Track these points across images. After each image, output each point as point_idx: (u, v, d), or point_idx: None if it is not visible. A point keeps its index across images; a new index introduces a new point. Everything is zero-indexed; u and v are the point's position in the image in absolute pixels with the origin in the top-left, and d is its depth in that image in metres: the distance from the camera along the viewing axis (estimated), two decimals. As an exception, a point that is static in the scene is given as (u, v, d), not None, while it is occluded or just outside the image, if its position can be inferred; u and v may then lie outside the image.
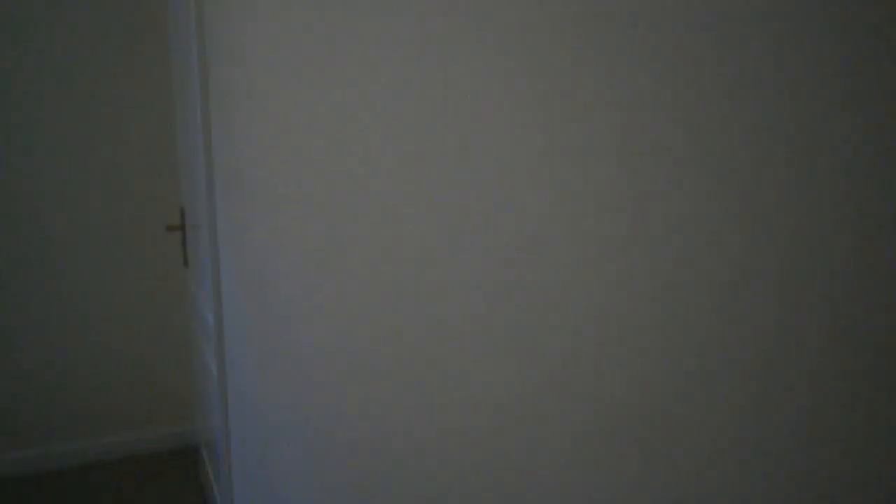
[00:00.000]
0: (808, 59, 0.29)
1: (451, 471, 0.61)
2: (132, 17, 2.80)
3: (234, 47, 1.45)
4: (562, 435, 0.45)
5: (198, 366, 2.79)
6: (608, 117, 0.39)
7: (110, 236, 2.91)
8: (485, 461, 0.55)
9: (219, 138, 1.81)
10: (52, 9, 2.68)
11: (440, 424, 0.62)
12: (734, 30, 0.32)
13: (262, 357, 1.43)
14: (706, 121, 0.34)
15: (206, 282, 2.27)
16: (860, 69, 0.27)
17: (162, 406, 3.11)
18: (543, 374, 0.46)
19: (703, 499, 0.35)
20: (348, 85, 0.77)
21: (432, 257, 0.60)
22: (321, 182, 0.90)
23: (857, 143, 0.27)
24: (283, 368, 1.23)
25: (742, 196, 0.32)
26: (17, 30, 2.66)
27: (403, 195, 0.65)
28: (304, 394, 1.09)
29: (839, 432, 0.29)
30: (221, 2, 1.58)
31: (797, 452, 0.30)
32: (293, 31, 0.97)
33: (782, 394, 0.31)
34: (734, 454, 0.33)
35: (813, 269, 0.29)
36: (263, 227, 1.29)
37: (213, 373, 2.22)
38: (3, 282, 2.77)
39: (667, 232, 0.36)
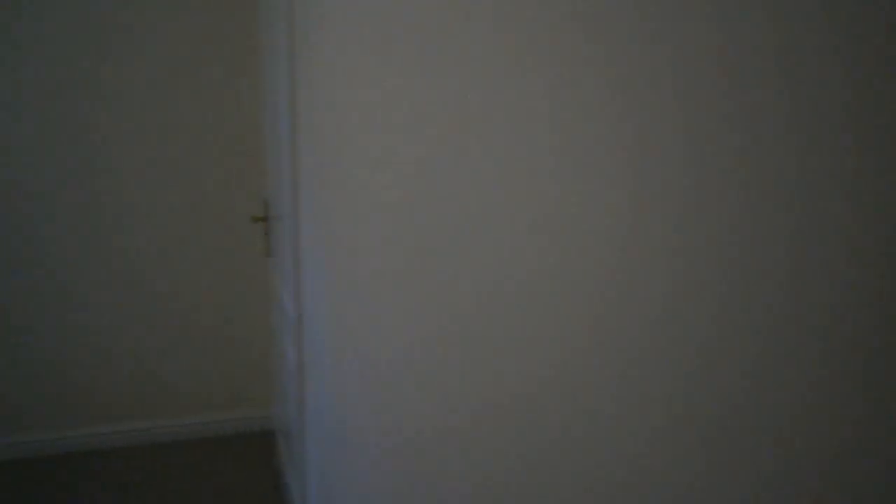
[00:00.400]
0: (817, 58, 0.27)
1: (519, 466, 0.60)
2: (221, 8, 2.90)
3: (323, 41, 1.47)
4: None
5: (277, 354, 2.87)
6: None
7: (198, 226, 3.02)
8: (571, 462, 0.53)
9: (306, 132, 1.85)
10: (138, 2, 2.81)
11: (512, 422, 0.61)
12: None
13: (339, 348, 1.45)
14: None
15: (287, 272, 2.33)
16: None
17: (241, 391, 3.21)
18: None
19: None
20: (434, 80, 0.77)
21: (520, 262, 0.59)
22: (412, 181, 0.90)
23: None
24: (360, 361, 1.25)
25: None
26: (101, 23, 2.79)
27: (492, 201, 0.64)
28: (381, 389, 1.10)
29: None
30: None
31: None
32: (382, 23, 0.98)
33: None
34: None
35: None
36: (348, 222, 1.31)
37: (292, 361, 2.28)
38: (98, 270, 2.92)
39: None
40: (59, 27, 2.72)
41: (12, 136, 2.74)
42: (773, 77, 0.30)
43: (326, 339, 1.63)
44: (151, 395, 3.09)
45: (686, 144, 0.35)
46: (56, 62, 2.75)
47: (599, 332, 0.48)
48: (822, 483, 0.29)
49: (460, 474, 0.77)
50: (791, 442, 0.30)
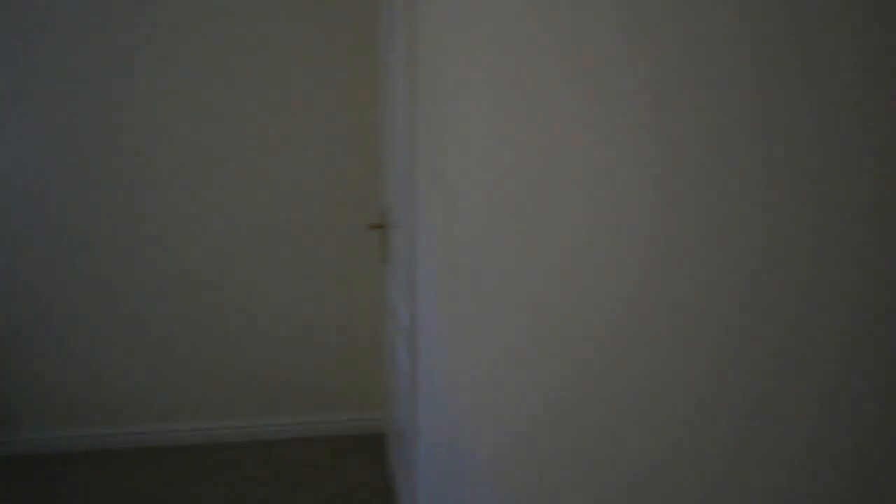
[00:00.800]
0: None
1: (637, 465, 0.57)
2: (342, 20, 3.02)
3: (442, 48, 1.50)
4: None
5: (389, 357, 2.94)
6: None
7: (318, 233, 3.15)
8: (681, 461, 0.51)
9: (422, 140, 1.88)
10: (262, 10, 2.97)
11: (620, 420, 0.59)
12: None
13: (452, 352, 1.46)
14: None
15: (401, 278, 2.38)
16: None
17: (354, 392, 3.31)
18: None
19: None
20: (560, 87, 0.76)
21: (633, 264, 0.57)
22: (527, 190, 0.90)
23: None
24: (474, 367, 1.25)
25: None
26: (227, 33, 2.97)
27: (599, 204, 0.63)
28: (494, 397, 1.10)
29: None
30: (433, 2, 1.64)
31: None
32: (502, 32, 0.98)
33: None
34: None
35: None
36: (464, 230, 1.32)
37: (404, 367, 2.32)
38: (226, 274, 3.11)
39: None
40: (182, 40, 2.93)
41: (139, 142, 2.97)
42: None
43: (439, 344, 1.65)
44: (272, 394, 3.25)
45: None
46: (178, 76, 2.95)
47: (733, 332, 0.46)
48: None
49: (579, 486, 0.76)
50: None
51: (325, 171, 3.11)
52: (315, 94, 3.05)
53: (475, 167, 1.20)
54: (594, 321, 0.69)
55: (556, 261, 0.80)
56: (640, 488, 0.60)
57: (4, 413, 3.05)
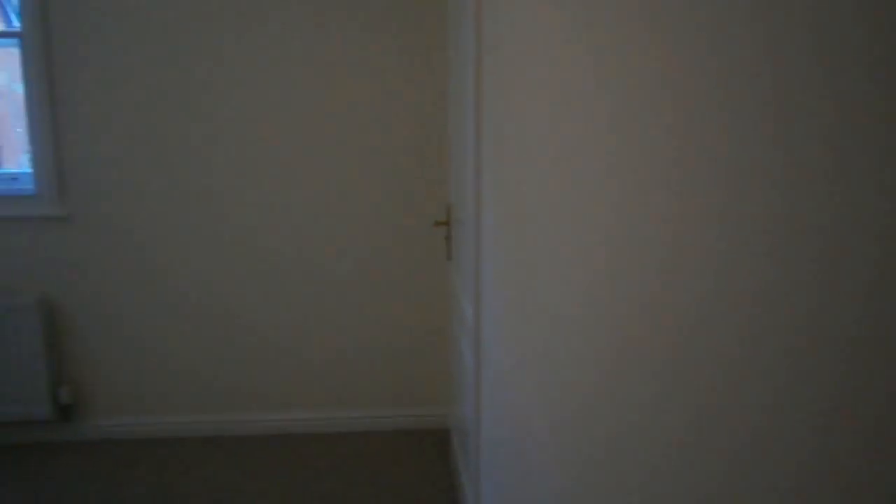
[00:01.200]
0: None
1: (707, 466, 0.56)
2: (410, 18, 3.05)
3: (510, 48, 1.49)
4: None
5: (454, 355, 2.95)
6: None
7: (384, 229, 3.19)
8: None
9: (489, 137, 1.88)
10: (330, 10, 3.02)
11: (693, 422, 0.57)
12: None
13: (519, 353, 1.46)
14: None
15: (467, 276, 2.39)
16: None
17: (419, 387, 3.34)
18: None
19: None
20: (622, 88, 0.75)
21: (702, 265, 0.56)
22: (596, 189, 0.89)
23: None
24: (538, 368, 1.24)
25: None
26: (299, 37, 3.03)
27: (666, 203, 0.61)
28: (560, 398, 1.09)
29: None
30: (503, 3, 1.64)
31: None
32: (569, 33, 0.97)
33: None
34: None
35: None
36: (531, 229, 1.32)
37: (469, 363, 2.33)
38: (299, 271, 3.19)
39: None
40: (259, 43, 3.02)
41: (225, 146, 3.07)
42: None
43: (504, 342, 1.64)
44: (340, 388, 3.31)
45: None
46: (258, 79, 3.04)
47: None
48: None
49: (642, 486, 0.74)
50: None
51: (395, 169, 3.15)
52: (387, 94, 3.09)
53: (535, 165, 1.20)
54: (630, 307, 0.68)
55: (602, 255, 0.79)
56: (689, 456, 0.59)
57: (84, 400, 3.21)
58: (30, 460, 3.05)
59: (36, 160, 3.03)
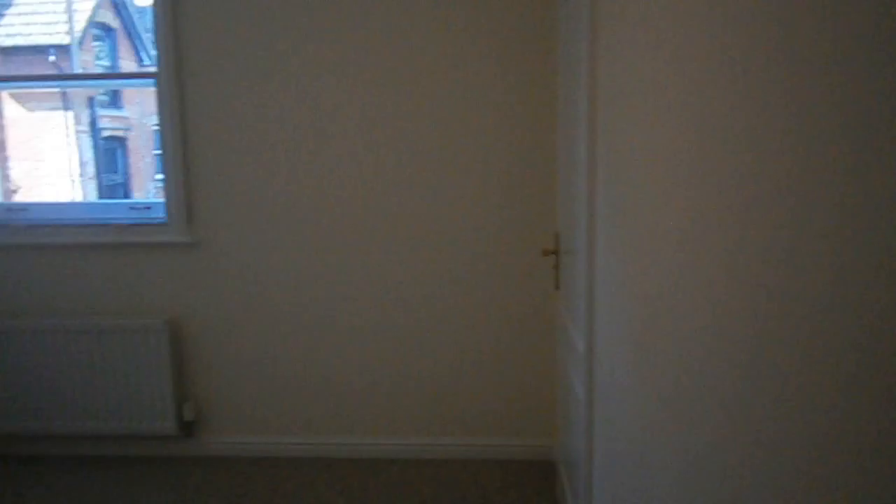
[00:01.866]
0: None
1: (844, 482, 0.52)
2: (518, 41, 3.07)
3: (629, 59, 1.48)
4: None
5: (562, 386, 2.90)
6: None
7: (490, 256, 3.20)
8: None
9: (604, 165, 1.86)
10: (438, 40, 3.08)
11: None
12: None
13: (639, 392, 1.42)
14: None
15: (577, 306, 2.35)
16: None
17: (524, 418, 3.30)
18: None
19: None
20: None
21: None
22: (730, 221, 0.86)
23: None
24: (663, 396, 1.20)
25: None
26: (411, 72, 3.11)
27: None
28: (688, 423, 1.05)
29: None
30: (617, 34, 1.63)
31: None
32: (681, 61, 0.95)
33: None
34: None
35: None
36: (651, 260, 1.28)
37: (580, 396, 2.28)
38: (405, 297, 3.25)
39: None
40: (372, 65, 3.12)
41: (349, 172, 3.19)
42: None
43: (623, 373, 1.60)
44: (445, 414, 3.32)
45: None
46: (358, 104, 3.14)
47: None
48: None
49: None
50: None
51: (502, 196, 3.17)
52: (493, 121, 3.12)
53: (658, 190, 1.17)
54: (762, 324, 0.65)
55: (725, 283, 0.75)
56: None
57: (206, 417, 3.38)
58: (154, 472, 3.24)
59: (168, 191, 3.25)
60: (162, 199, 3.32)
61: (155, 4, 3.12)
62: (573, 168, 2.46)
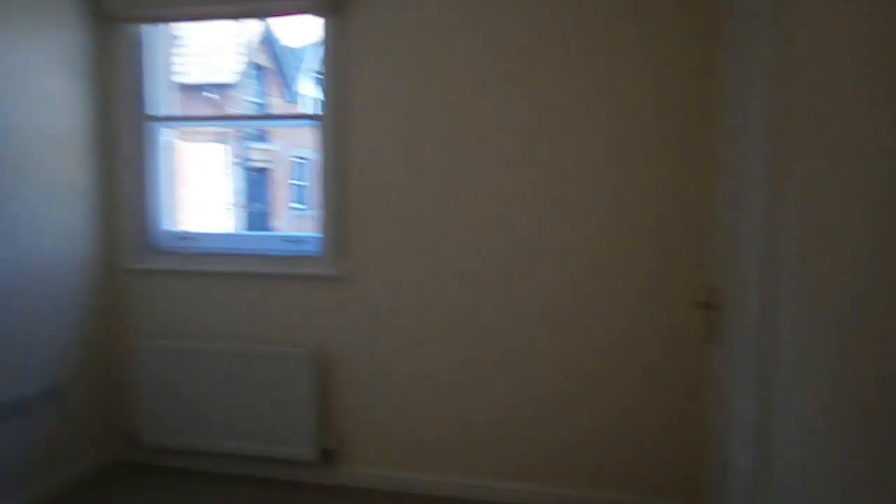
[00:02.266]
0: None
1: None
2: (675, 82, 2.96)
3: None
4: None
5: (719, 451, 2.71)
6: None
7: (638, 304, 3.08)
8: None
9: (790, 212, 1.73)
10: (583, 75, 3.02)
11: None
12: None
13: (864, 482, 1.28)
14: None
15: (744, 365, 2.20)
16: None
17: (661, 478, 3.12)
18: None
19: None
20: None
21: None
22: None
23: None
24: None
25: None
26: (555, 109, 3.06)
27: None
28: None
29: None
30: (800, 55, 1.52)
31: None
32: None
33: None
34: None
35: None
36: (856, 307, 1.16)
37: (744, 463, 2.12)
38: (547, 342, 3.18)
39: None
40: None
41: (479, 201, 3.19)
42: None
43: (819, 441, 1.46)
44: (582, 465, 3.20)
45: None
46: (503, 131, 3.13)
47: None
48: None
49: None
50: None
51: (647, 245, 3.05)
52: (644, 160, 3.02)
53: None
54: None
55: None
56: None
57: (346, 447, 3.45)
58: (293, 497, 3.33)
59: (325, 226, 3.40)
60: (311, 233, 3.49)
61: (325, 47, 3.30)
62: (739, 215, 2.32)
